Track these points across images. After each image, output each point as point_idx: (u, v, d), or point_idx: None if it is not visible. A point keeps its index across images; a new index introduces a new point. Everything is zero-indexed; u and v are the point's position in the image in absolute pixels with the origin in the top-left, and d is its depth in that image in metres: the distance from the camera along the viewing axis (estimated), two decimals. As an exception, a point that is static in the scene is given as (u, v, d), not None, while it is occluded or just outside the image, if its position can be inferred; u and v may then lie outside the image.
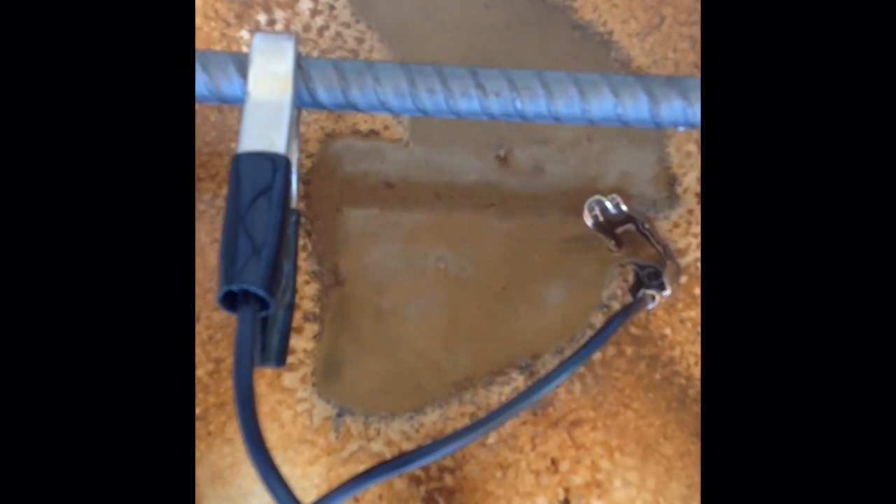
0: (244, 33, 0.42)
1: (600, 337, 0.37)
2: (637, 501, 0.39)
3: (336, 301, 0.40)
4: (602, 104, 0.34)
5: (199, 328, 0.39)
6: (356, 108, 0.33)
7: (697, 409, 0.40)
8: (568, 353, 0.39)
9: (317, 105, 0.33)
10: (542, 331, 0.40)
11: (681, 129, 0.37)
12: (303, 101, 0.33)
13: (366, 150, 0.42)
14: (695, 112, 0.35)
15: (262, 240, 0.29)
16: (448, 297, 0.41)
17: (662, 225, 0.42)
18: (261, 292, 0.29)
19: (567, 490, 0.39)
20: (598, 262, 0.42)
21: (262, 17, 0.42)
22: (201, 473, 0.38)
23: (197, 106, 0.40)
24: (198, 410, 0.38)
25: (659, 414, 0.40)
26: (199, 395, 0.39)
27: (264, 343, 0.33)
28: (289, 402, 0.39)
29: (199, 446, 0.38)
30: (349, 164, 0.41)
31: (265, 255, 0.29)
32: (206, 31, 0.42)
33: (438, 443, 0.34)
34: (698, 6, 0.43)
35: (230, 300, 0.30)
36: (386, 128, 0.42)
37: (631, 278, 0.41)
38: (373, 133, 0.42)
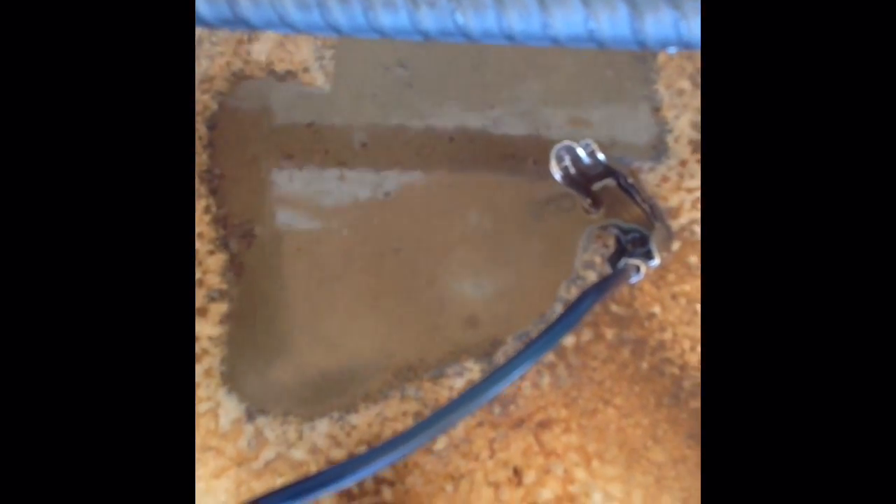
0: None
1: (571, 316, 0.30)
2: None
3: (248, 274, 0.34)
4: (568, 17, 0.26)
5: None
6: (248, 25, 0.26)
7: (694, 404, 0.33)
8: (534, 336, 0.32)
9: (199, 22, 0.26)
10: (503, 310, 0.34)
11: (672, 50, 0.30)
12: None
13: (283, 93, 0.35)
14: (690, 27, 0.27)
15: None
16: (387, 266, 0.34)
17: (649, 179, 0.36)
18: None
19: None
20: (571, 225, 0.36)
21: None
22: None
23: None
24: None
25: (647, 412, 0.33)
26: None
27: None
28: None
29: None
30: (263, 109, 0.35)
31: None
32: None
33: (375, 451, 0.30)
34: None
35: None
36: (305, 68, 0.35)
37: (611, 244, 0.35)
38: (290, 74, 0.35)
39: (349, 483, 0.30)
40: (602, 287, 0.31)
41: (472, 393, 0.30)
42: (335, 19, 0.26)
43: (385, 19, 0.26)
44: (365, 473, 0.29)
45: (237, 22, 0.26)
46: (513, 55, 0.37)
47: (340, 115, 0.36)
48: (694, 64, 0.37)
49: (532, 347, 0.30)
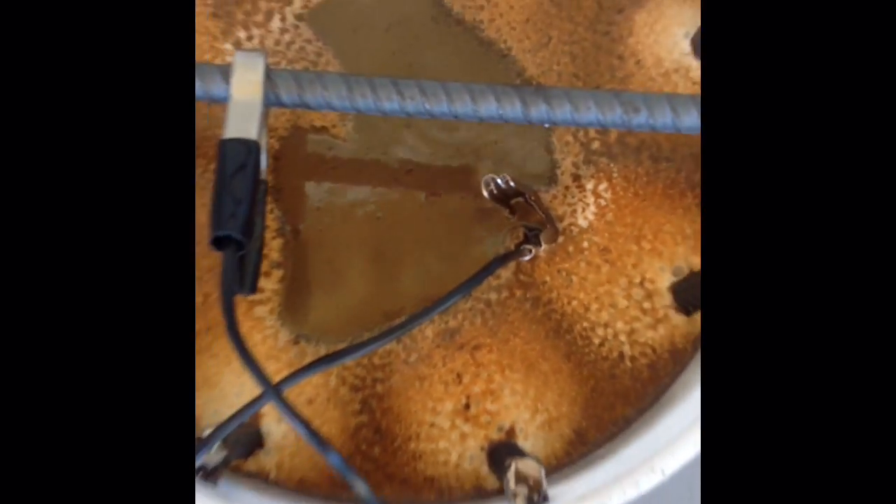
0: (228, 45, 0.54)
1: (484, 272, 0.49)
2: (521, 406, 0.51)
3: (296, 253, 0.53)
4: (488, 107, 0.46)
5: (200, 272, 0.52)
6: (308, 107, 0.45)
7: (569, 337, 0.51)
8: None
9: (280, 104, 0.45)
10: (457, 275, 0.50)
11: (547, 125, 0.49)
12: (270, 101, 0.45)
13: (318, 141, 0.54)
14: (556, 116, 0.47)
15: (240, 200, 0.41)
16: (382, 249, 0.53)
17: (545, 198, 0.52)
18: (239, 237, 0.41)
19: (468, 397, 0.50)
20: (498, 226, 0.52)
21: (241, 34, 0.54)
22: (197, 377, 0.50)
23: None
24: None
25: (539, 341, 0.50)
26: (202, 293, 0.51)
27: (241, 277, 0.45)
28: (259, 327, 0.50)
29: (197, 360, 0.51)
30: (307, 149, 0.54)
31: (242, 211, 0.41)
32: (199, 43, 0.54)
33: (360, 344, 0.45)
34: (578, 29, 0.55)
35: (218, 244, 0.42)
36: (333, 125, 0.54)
37: (521, 236, 0.51)
38: (324, 129, 0.54)
39: (347, 360, 0.45)
40: (504, 258, 0.50)
41: (419, 314, 0.47)
42: (358, 106, 0.45)
43: (386, 106, 0.45)
44: (356, 355, 0.45)
45: (302, 105, 0.46)
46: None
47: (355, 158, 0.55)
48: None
49: (458, 289, 0.48)
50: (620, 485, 0.46)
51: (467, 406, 0.50)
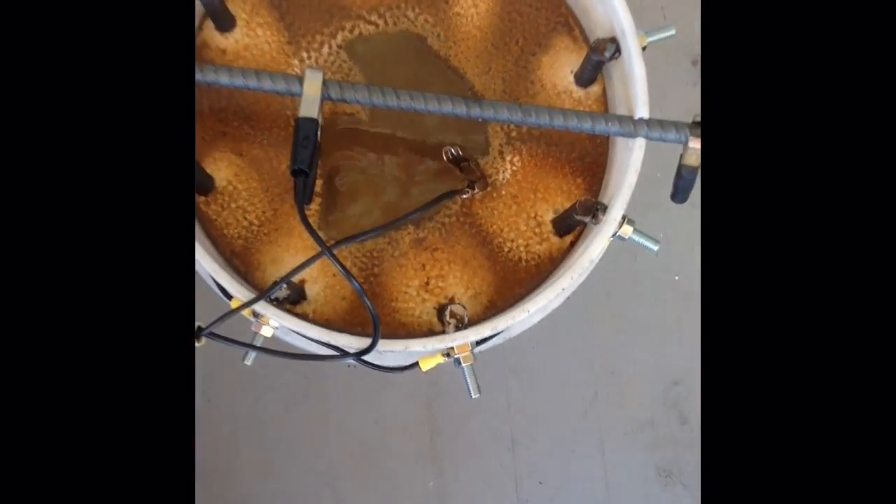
0: (296, 61, 0.88)
1: (440, 199, 0.81)
2: (458, 285, 0.84)
3: (328, 187, 0.87)
4: (450, 108, 0.81)
5: (271, 196, 0.86)
6: (345, 102, 0.80)
7: (490, 246, 0.85)
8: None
9: (330, 99, 0.80)
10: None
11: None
12: (324, 97, 0.79)
13: (347, 119, 0.89)
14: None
15: (307, 149, 0.76)
16: (381, 187, 0.86)
17: (481, 162, 0.87)
18: (306, 169, 0.76)
19: (428, 278, 0.83)
20: (451, 178, 0.86)
21: (304, 54, 0.88)
22: (266, 258, 0.85)
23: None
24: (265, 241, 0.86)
25: (472, 247, 0.83)
26: (265, 229, 0.86)
27: (305, 194, 0.80)
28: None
29: (266, 248, 0.85)
30: (340, 125, 0.88)
31: (307, 156, 0.75)
32: (279, 59, 0.88)
33: (372, 230, 0.81)
34: (507, 64, 0.90)
35: (294, 174, 0.77)
36: (357, 112, 0.89)
37: (465, 184, 0.85)
38: (352, 113, 0.89)
39: (356, 242, 0.83)
40: (452, 193, 0.84)
41: (406, 215, 0.84)
42: (374, 102, 0.80)
43: (391, 104, 0.80)
44: (361, 239, 0.82)
45: (344, 101, 0.81)
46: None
47: (375, 131, 0.90)
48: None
49: (425, 206, 0.82)
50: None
51: (427, 283, 0.85)
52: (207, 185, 0.83)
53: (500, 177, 0.86)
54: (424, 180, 0.86)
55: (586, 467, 1.21)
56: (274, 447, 1.18)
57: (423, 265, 0.85)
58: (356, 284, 0.71)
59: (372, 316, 0.71)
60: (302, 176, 0.74)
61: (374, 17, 0.88)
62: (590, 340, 1.23)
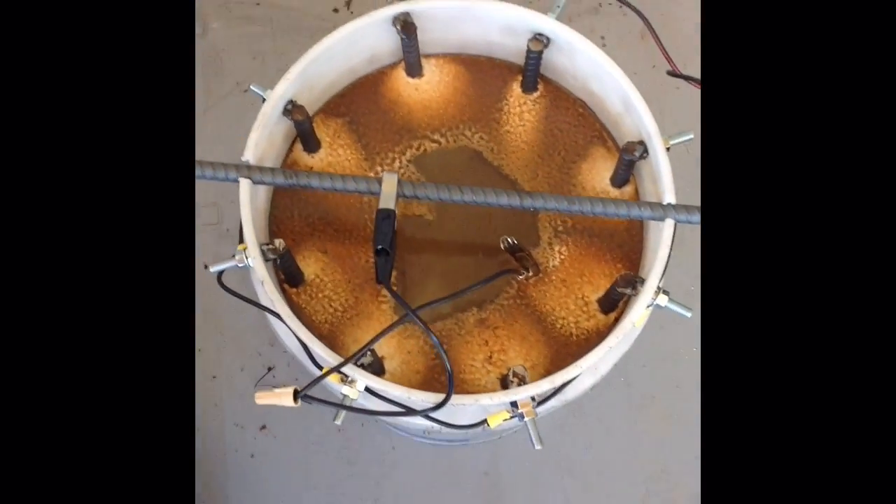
0: (372, 174, 1.04)
1: (494, 277, 0.96)
2: (518, 358, 0.94)
3: (402, 276, 1.01)
4: (505, 200, 0.95)
5: (353, 286, 1.00)
6: (418, 199, 0.94)
7: (544, 323, 0.98)
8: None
9: (405, 197, 0.95)
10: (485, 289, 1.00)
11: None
12: (399, 194, 0.94)
13: (414, 220, 1.03)
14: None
15: (386, 234, 0.90)
16: (448, 273, 1.00)
17: (533, 252, 1.02)
18: (388, 248, 0.89)
19: (491, 352, 0.94)
20: (507, 266, 1.01)
21: (378, 168, 1.04)
22: (349, 339, 0.97)
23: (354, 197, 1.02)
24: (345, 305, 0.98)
25: (528, 325, 0.95)
26: (348, 314, 0.99)
27: (387, 270, 0.93)
28: (388, 302, 0.99)
29: (349, 331, 0.98)
30: (410, 227, 1.03)
31: (388, 238, 0.90)
32: (359, 171, 1.04)
33: (442, 298, 0.94)
34: (552, 171, 1.05)
35: (377, 253, 0.90)
36: (424, 214, 1.04)
37: (519, 271, 1.00)
38: (419, 215, 1.04)
39: (443, 303, 0.96)
40: (507, 272, 0.97)
41: (470, 287, 0.97)
42: (441, 198, 0.95)
43: (455, 198, 0.95)
44: (448, 300, 0.95)
45: (416, 198, 0.95)
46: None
47: (432, 238, 1.05)
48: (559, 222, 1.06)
49: (476, 285, 0.96)
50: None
51: (490, 357, 0.96)
52: (298, 279, 0.96)
53: (550, 264, 0.98)
54: (484, 270, 0.98)
55: (645, 563, 1.27)
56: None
57: (486, 341, 0.96)
58: (434, 338, 0.83)
59: (447, 368, 0.83)
60: (384, 254, 0.88)
61: (436, 137, 1.03)
62: (639, 441, 1.33)
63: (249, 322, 1.37)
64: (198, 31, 1.52)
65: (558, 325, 0.96)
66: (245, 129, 0.93)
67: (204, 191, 1.48)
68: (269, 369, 1.34)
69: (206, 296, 1.40)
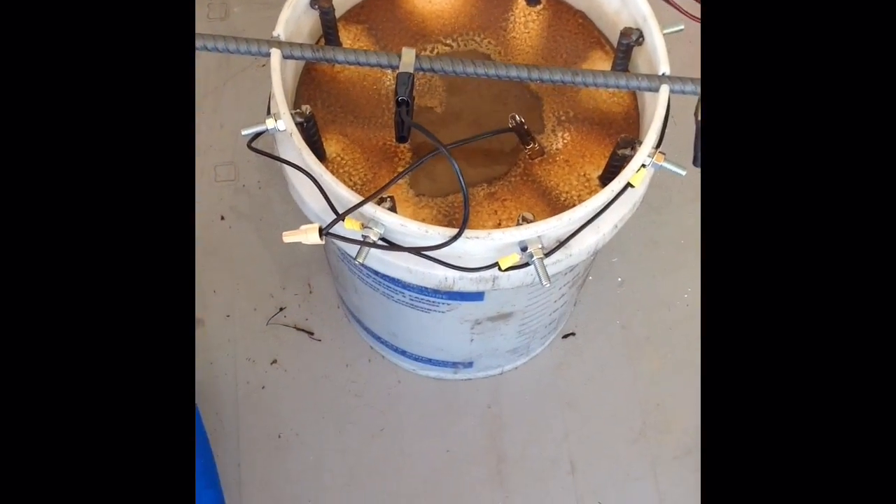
0: (389, 72, 1.13)
1: (499, 131, 1.04)
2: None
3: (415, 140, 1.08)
4: (515, 73, 1.03)
5: (370, 163, 1.07)
6: (434, 72, 1.02)
7: (549, 196, 1.05)
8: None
9: (422, 70, 1.03)
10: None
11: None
12: (417, 68, 1.03)
13: (425, 110, 1.11)
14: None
15: (407, 86, 0.98)
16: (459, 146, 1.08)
17: (538, 137, 1.09)
18: (407, 99, 0.96)
19: (499, 220, 1.02)
20: (516, 140, 1.08)
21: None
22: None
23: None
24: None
25: (534, 197, 1.02)
26: (367, 187, 1.06)
27: (407, 122, 1.00)
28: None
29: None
30: (422, 116, 1.11)
31: (407, 88, 0.97)
32: (376, 71, 1.13)
33: (453, 143, 1.02)
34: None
35: (398, 104, 0.97)
36: (435, 107, 1.12)
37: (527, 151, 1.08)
38: (431, 108, 1.12)
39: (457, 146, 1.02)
40: (514, 130, 1.05)
41: (479, 136, 1.04)
42: (456, 71, 1.04)
43: (469, 71, 1.03)
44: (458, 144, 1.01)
45: (430, 70, 1.04)
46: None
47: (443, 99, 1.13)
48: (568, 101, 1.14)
49: (478, 136, 1.04)
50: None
51: (499, 224, 1.02)
52: (321, 154, 1.04)
53: (554, 147, 1.06)
54: (493, 141, 1.06)
55: (641, 488, 1.31)
56: (354, 474, 1.29)
57: (496, 211, 1.02)
58: (455, 164, 0.90)
59: (463, 193, 0.89)
60: (403, 105, 0.96)
61: (448, 41, 1.12)
62: (635, 378, 1.38)
63: (264, 267, 1.43)
64: (220, 14, 1.63)
65: (562, 198, 1.03)
66: (263, 98, 1.03)
67: (221, 151, 1.56)
68: (281, 309, 1.39)
69: (223, 245, 1.48)
